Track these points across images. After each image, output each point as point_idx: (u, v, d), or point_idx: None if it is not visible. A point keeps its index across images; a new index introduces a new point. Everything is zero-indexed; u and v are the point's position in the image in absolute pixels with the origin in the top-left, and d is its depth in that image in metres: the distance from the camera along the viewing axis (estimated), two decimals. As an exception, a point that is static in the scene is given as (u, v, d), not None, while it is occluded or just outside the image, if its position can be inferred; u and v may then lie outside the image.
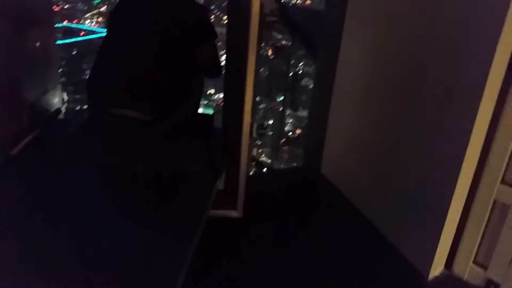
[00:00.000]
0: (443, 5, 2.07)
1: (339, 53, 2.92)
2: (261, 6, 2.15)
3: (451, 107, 2.07)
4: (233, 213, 2.58)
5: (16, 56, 2.43)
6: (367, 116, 2.76)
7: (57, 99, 2.90)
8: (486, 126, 2.03)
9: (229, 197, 2.56)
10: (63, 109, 3.02)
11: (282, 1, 3.69)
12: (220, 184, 2.44)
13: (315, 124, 3.33)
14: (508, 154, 2.05)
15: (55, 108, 2.88)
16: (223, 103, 2.58)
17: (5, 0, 2.26)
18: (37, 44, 2.61)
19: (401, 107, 2.43)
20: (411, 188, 2.37)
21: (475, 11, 1.90)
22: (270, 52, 6.24)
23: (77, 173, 2.30)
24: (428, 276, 2.29)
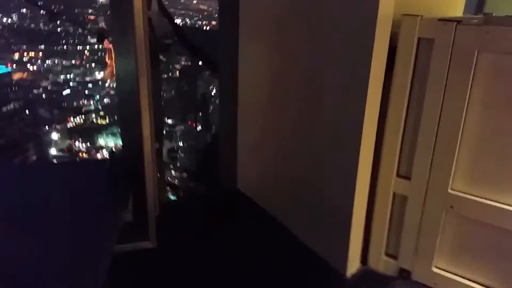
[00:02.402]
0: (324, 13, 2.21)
1: (239, 69, 2.98)
2: (153, 29, 2.11)
3: (342, 107, 2.20)
4: (146, 244, 2.46)
5: None
6: (270, 126, 2.84)
7: None
8: (375, 124, 2.17)
9: (140, 228, 2.45)
10: None
11: (177, 24, 3.69)
12: (128, 216, 2.32)
13: (226, 142, 3.34)
14: (399, 148, 2.21)
15: None
16: (120, 132, 2.48)
17: None
18: None
19: (299, 112, 2.54)
20: (318, 190, 2.47)
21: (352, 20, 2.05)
22: (176, 74, 6.20)
23: None
24: (345, 273, 2.37)
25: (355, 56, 2.05)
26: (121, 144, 2.47)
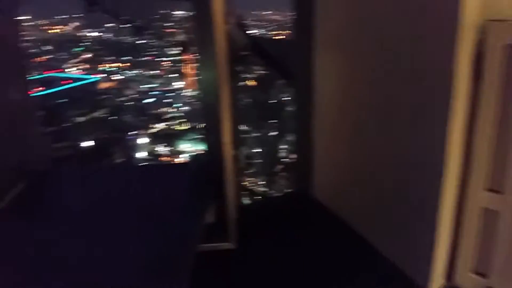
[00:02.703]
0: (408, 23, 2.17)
1: (315, 77, 3.00)
2: (231, 42, 2.22)
3: (426, 117, 2.14)
4: (227, 245, 2.56)
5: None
6: (350, 134, 2.81)
7: (42, 149, 2.92)
8: (462, 135, 2.08)
9: (222, 229, 2.56)
10: (48, 158, 3.04)
11: (253, 36, 3.80)
12: (210, 217, 2.44)
13: (302, 149, 3.36)
14: (489, 160, 2.09)
15: (41, 158, 2.90)
16: (204, 137, 2.63)
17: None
18: (13, 99, 2.64)
19: (381, 122, 2.49)
20: (401, 202, 2.40)
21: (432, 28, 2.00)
22: (252, 83, 6.36)
23: (61, 218, 2.32)
24: (429, 290, 2.28)
25: (438, 65, 1.99)
26: (205, 149, 2.61)
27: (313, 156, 3.23)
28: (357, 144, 2.75)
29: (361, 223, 2.77)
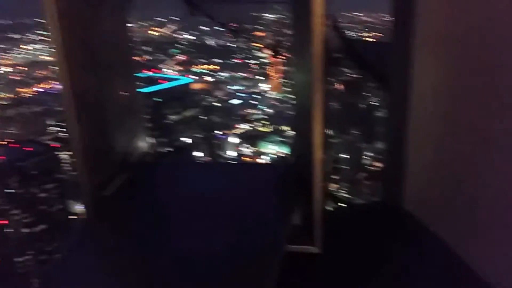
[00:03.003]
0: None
1: (412, 82, 2.88)
2: (326, 44, 2.21)
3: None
4: (312, 249, 2.55)
5: (105, 108, 2.71)
6: (451, 145, 2.65)
7: (144, 143, 3.16)
8: None
9: (307, 233, 2.56)
10: (150, 152, 3.27)
11: (347, 37, 3.74)
12: (296, 219, 2.45)
13: (393, 157, 3.25)
14: None
15: (142, 151, 3.13)
16: (292, 139, 2.65)
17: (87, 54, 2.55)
18: (123, 95, 2.90)
19: (485, 132, 2.32)
20: (505, 222, 2.20)
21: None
22: (340, 87, 6.26)
23: (166, 208, 2.49)
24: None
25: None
26: (287, 151, 2.63)
27: (404, 165, 3.10)
28: (459, 155, 2.58)
29: (457, 242, 2.59)
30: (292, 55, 2.35)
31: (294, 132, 2.63)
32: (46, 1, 2.23)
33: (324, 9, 2.02)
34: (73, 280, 2.00)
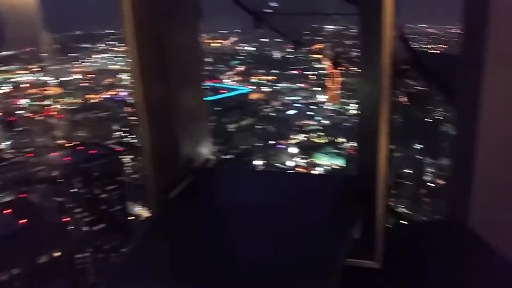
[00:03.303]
0: None
1: (482, 96, 2.76)
2: (394, 55, 2.18)
3: None
4: (371, 264, 2.50)
5: (174, 114, 2.84)
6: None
7: (207, 150, 3.27)
8: None
9: (366, 247, 2.51)
10: (213, 158, 3.37)
11: (413, 48, 3.66)
12: (356, 233, 2.42)
13: (459, 174, 3.12)
14: None
15: (205, 157, 3.24)
16: (355, 151, 2.62)
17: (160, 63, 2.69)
18: (191, 103, 3.02)
19: None
20: None
21: None
22: (403, 99, 6.10)
23: (227, 214, 2.56)
24: None
25: None
26: (346, 163, 2.61)
27: (471, 183, 2.96)
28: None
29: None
30: (359, 66, 2.34)
31: (356, 144, 2.60)
32: (125, 14, 2.39)
33: (394, 20, 2.01)
34: (139, 276, 2.10)
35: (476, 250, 2.80)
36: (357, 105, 2.52)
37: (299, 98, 66.96)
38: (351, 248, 2.31)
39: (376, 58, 2.08)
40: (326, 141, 57.00)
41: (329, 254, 2.12)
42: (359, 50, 2.32)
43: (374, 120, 2.23)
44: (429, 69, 3.64)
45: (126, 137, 58.09)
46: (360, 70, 2.33)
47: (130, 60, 2.51)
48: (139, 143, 2.79)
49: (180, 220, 2.52)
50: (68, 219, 43.32)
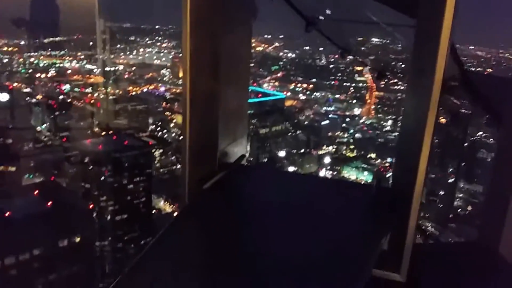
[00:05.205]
0: None
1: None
2: (445, 71, 2.18)
3: None
4: (397, 277, 2.49)
5: (217, 111, 2.92)
6: None
7: (243, 147, 3.34)
8: None
9: (393, 259, 2.50)
10: (247, 157, 3.44)
11: (463, 67, 3.59)
12: (384, 244, 2.42)
13: (494, 198, 3.07)
14: None
15: (240, 154, 3.31)
16: (394, 161, 2.61)
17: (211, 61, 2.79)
18: (235, 102, 3.11)
19: None
20: None
21: None
22: (443, 120, 5.98)
23: (256, 209, 2.61)
24: None
25: None
26: (373, 179, 2.61)
27: (506, 210, 2.91)
28: None
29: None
30: (408, 79, 2.34)
31: (390, 159, 2.60)
32: (183, 9, 2.50)
33: (450, 34, 2.01)
34: (162, 263, 2.14)
35: (503, 273, 2.75)
36: (401, 118, 2.52)
37: (335, 109, 66.43)
38: (378, 259, 2.31)
39: (429, 71, 2.08)
40: (356, 155, 56.18)
41: (357, 262, 2.13)
42: (410, 62, 2.33)
43: (418, 133, 2.23)
44: (477, 89, 3.58)
45: (160, 131, 59.15)
46: (408, 83, 2.33)
47: (183, 55, 2.61)
48: (181, 133, 2.90)
49: (210, 211, 2.59)
50: (92, 206, 44.21)
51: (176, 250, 2.20)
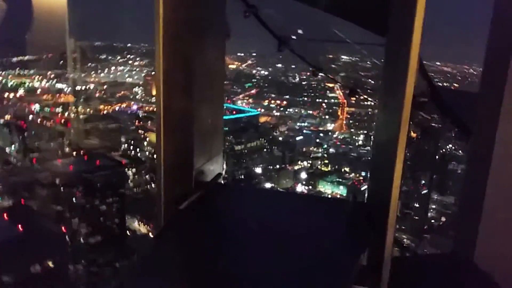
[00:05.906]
0: None
1: (496, 136, 2.79)
2: (415, 87, 2.23)
3: None
4: (375, 292, 2.49)
5: (192, 130, 2.89)
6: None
7: (219, 165, 3.30)
8: None
9: (372, 274, 2.50)
10: (223, 175, 3.40)
11: (433, 82, 3.71)
12: (363, 260, 2.42)
13: (466, 210, 3.13)
14: None
15: (217, 172, 3.27)
16: (369, 176, 2.63)
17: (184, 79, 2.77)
18: (210, 119, 3.08)
19: None
20: None
21: None
22: (414, 134, 6.13)
23: (233, 229, 2.57)
24: None
25: None
26: (347, 192, 2.64)
27: (479, 220, 2.97)
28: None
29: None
30: (378, 95, 2.38)
31: (364, 173, 2.63)
32: (156, 28, 2.48)
33: (419, 51, 2.06)
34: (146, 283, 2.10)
35: (479, 283, 2.80)
36: (372, 133, 2.56)
37: (308, 124, 67.43)
38: (358, 274, 2.30)
39: (399, 88, 2.13)
40: (329, 169, 56.92)
41: (338, 278, 2.11)
42: (381, 79, 2.38)
43: (391, 148, 2.26)
44: (446, 104, 3.69)
45: (133, 150, 58.35)
46: (380, 99, 2.38)
47: (156, 73, 2.58)
48: (155, 153, 2.85)
49: (187, 233, 2.53)
50: (64, 229, 42.97)
51: (157, 274, 2.15)
